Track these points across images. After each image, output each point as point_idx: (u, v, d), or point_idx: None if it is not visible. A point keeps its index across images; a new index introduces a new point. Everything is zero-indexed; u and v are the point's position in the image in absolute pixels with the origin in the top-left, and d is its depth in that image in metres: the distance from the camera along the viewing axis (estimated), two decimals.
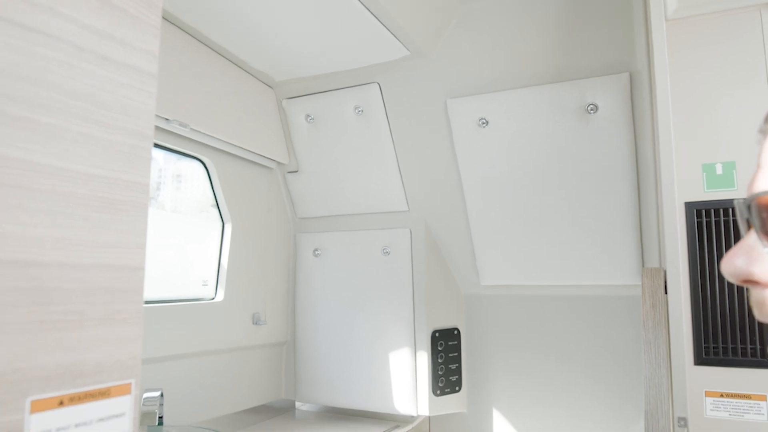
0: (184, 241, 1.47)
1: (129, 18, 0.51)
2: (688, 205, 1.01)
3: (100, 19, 0.49)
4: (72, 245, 0.45)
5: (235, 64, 1.34)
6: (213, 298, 1.36)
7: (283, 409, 1.62)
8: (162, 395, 1.02)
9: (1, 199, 0.40)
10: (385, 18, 1.14)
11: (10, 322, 0.40)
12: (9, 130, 0.41)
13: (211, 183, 1.37)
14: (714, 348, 0.99)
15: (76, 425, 0.44)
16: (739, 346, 0.96)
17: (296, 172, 1.57)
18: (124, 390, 0.48)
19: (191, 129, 1.17)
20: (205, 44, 1.23)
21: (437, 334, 1.45)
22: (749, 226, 0.37)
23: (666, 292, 0.93)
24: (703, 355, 0.99)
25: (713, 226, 1.01)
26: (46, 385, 0.42)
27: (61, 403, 0.43)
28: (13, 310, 0.40)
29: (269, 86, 1.48)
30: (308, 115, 1.48)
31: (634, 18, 1.16)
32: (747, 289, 0.38)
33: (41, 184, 0.43)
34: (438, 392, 1.43)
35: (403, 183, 1.47)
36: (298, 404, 1.63)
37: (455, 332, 1.49)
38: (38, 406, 0.41)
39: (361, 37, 1.22)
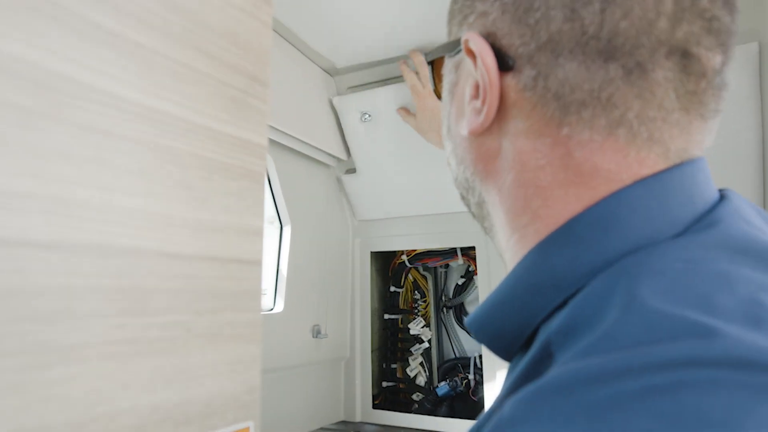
0: None
1: None
2: None
3: None
4: (172, 227, 0.30)
5: (296, 47, 1.21)
6: (272, 309, 1.21)
7: None
8: None
9: (77, 146, 0.25)
10: None
11: (91, 343, 0.25)
12: (89, 46, 0.27)
13: (269, 181, 1.23)
14: None
15: None
16: None
17: (354, 172, 1.43)
18: None
19: None
20: None
21: None
22: None
23: None
24: None
25: None
26: None
27: None
28: (95, 324, 0.25)
29: (329, 74, 1.34)
30: (364, 113, 1.32)
31: None
32: None
33: (130, 130, 0.28)
34: None
35: None
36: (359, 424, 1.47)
37: None
38: None
39: (441, 13, 1.07)
